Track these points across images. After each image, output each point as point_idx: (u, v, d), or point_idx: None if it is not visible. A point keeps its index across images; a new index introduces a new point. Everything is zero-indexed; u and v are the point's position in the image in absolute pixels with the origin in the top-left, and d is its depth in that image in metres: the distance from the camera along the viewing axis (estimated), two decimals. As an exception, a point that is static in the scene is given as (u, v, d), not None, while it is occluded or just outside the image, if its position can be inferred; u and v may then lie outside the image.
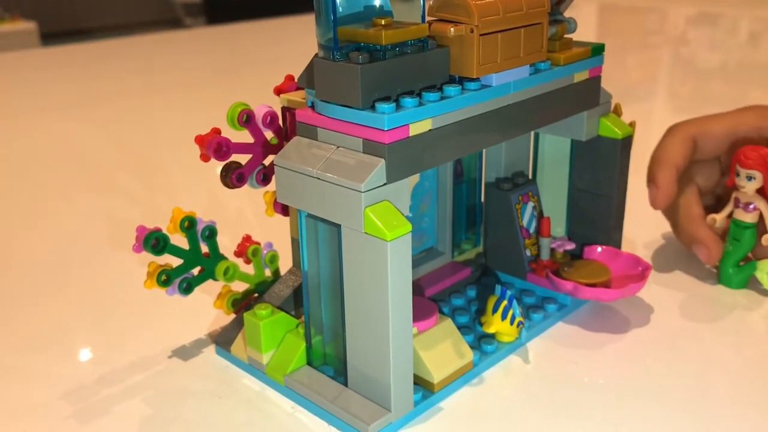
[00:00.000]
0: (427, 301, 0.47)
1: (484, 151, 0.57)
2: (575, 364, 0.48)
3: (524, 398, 0.45)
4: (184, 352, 0.50)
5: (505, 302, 0.47)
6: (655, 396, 0.44)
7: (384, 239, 0.38)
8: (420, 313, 0.45)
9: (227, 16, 2.57)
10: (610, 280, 0.52)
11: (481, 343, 0.48)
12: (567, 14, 0.50)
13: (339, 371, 0.45)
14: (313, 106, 0.42)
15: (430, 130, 0.40)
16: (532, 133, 0.57)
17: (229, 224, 0.57)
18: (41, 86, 1.36)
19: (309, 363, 0.46)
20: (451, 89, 0.41)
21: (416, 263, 0.56)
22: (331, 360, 0.45)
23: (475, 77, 0.42)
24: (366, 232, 0.38)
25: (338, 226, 0.40)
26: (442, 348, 0.45)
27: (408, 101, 0.39)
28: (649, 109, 1.10)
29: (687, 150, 0.58)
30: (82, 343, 0.52)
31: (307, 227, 0.43)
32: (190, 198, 0.79)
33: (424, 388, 0.44)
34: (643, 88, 1.22)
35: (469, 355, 0.46)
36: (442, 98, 0.41)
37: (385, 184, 0.39)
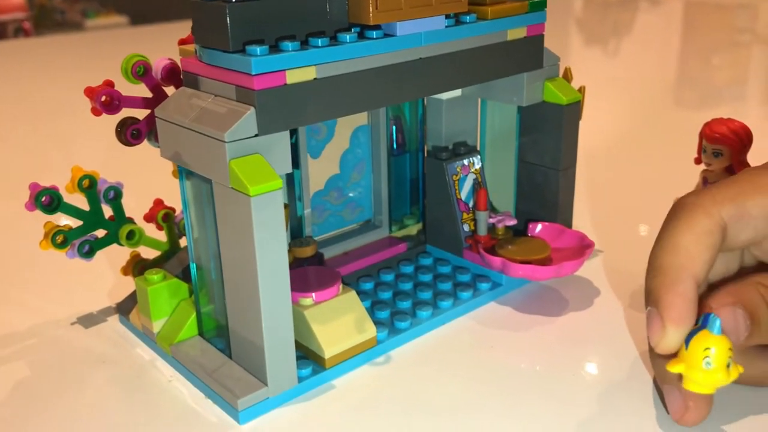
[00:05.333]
0: (330, 271, 0.43)
1: (426, 119, 0.53)
2: (491, 348, 0.43)
3: (427, 380, 0.40)
4: (89, 319, 0.48)
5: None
6: (551, 387, 0.40)
7: (247, 194, 0.34)
8: (319, 283, 0.42)
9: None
10: (550, 258, 0.48)
11: (394, 319, 0.44)
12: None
13: (228, 343, 0.42)
14: (196, 53, 0.39)
15: (314, 78, 0.37)
16: (479, 100, 0.53)
17: (150, 189, 0.54)
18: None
19: (201, 334, 0.43)
20: (344, 35, 0.38)
21: (349, 236, 0.52)
22: (222, 331, 0.42)
23: (371, 24, 0.38)
24: (232, 187, 0.35)
25: (211, 182, 0.37)
26: (341, 322, 0.41)
27: (286, 44, 0.36)
28: (741, 114, 1.00)
29: (714, 249, 0.34)
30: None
31: (193, 186, 0.40)
32: (104, 161, 0.76)
33: (316, 363, 0.41)
34: (732, 90, 1.12)
35: (372, 330, 0.42)
36: (331, 44, 0.37)
37: (256, 135, 0.35)
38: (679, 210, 0.35)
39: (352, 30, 0.39)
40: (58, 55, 1.50)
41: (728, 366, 0.32)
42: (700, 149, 0.50)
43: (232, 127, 0.35)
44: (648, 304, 0.35)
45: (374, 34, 0.39)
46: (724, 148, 0.49)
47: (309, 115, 0.37)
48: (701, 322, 0.33)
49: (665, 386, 0.36)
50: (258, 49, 0.35)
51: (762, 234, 0.35)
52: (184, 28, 0.45)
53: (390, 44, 0.39)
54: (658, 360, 0.36)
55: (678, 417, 0.35)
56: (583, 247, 0.48)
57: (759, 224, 0.35)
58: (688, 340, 0.32)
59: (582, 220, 0.52)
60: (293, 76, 0.36)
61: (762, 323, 0.34)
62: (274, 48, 0.36)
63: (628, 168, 0.74)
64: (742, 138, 0.48)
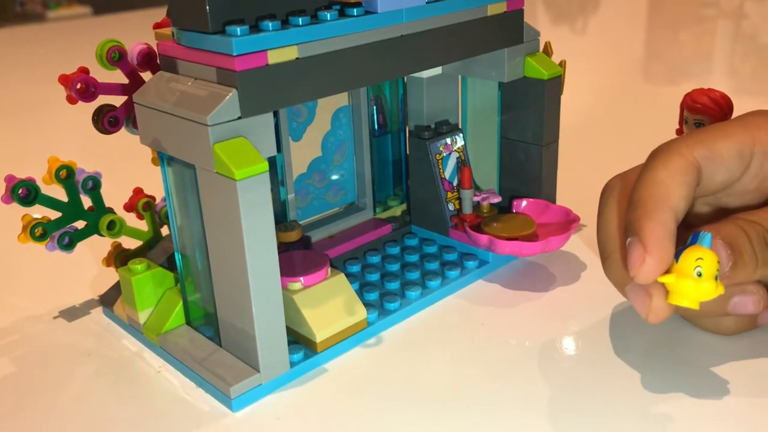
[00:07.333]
0: (318, 255, 0.43)
1: (406, 99, 0.52)
2: (481, 325, 0.43)
3: (419, 360, 0.40)
4: (72, 313, 0.47)
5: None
6: (540, 361, 0.40)
7: (232, 178, 0.34)
8: (307, 267, 0.41)
9: None
10: (536, 234, 0.48)
11: (384, 300, 0.44)
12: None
13: (217, 331, 0.41)
14: (174, 37, 0.38)
15: (296, 58, 0.36)
16: (459, 78, 0.53)
17: (129, 178, 0.53)
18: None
19: (188, 323, 0.42)
20: (325, 14, 0.37)
21: (333, 219, 0.52)
22: (210, 319, 0.42)
23: (352, 1, 0.38)
24: (217, 172, 0.35)
25: (194, 167, 0.36)
26: (330, 305, 0.41)
27: (267, 24, 0.35)
28: (708, 86, 1.01)
29: (690, 186, 0.36)
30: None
31: (175, 173, 0.39)
32: (82, 150, 0.74)
33: (307, 347, 0.40)
34: (698, 64, 1.12)
35: (362, 312, 0.42)
36: (312, 23, 0.37)
37: (239, 118, 0.35)
38: (654, 154, 0.37)
39: (333, 8, 0.38)
40: (21, 47, 1.46)
41: (716, 278, 0.33)
42: (682, 120, 0.51)
43: (214, 110, 0.34)
44: (629, 235, 0.35)
45: (355, 11, 0.38)
46: (705, 119, 0.49)
47: (292, 95, 0.37)
48: (690, 240, 0.33)
49: (627, 288, 0.36)
50: (238, 30, 0.34)
51: (735, 176, 0.37)
52: (149, 16, 0.44)
53: (371, 21, 0.39)
54: (611, 269, 0.38)
55: (645, 311, 0.34)
56: (568, 222, 0.48)
57: (731, 164, 0.36)
58: (678, 255, 0.33)
59: (566, 195, 0.52)
60: (275, 56, 0.35)
61: (745, 253, 0.35)
62: (255, 28, 0.35)
63: (606, 142, 0.74)
64: (723, 108, 0.48)
